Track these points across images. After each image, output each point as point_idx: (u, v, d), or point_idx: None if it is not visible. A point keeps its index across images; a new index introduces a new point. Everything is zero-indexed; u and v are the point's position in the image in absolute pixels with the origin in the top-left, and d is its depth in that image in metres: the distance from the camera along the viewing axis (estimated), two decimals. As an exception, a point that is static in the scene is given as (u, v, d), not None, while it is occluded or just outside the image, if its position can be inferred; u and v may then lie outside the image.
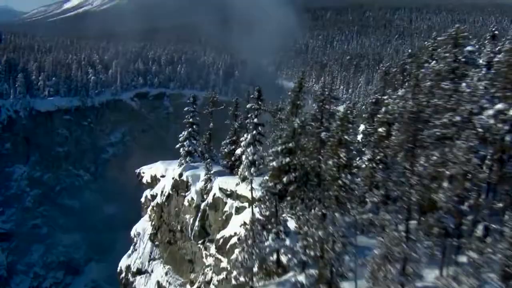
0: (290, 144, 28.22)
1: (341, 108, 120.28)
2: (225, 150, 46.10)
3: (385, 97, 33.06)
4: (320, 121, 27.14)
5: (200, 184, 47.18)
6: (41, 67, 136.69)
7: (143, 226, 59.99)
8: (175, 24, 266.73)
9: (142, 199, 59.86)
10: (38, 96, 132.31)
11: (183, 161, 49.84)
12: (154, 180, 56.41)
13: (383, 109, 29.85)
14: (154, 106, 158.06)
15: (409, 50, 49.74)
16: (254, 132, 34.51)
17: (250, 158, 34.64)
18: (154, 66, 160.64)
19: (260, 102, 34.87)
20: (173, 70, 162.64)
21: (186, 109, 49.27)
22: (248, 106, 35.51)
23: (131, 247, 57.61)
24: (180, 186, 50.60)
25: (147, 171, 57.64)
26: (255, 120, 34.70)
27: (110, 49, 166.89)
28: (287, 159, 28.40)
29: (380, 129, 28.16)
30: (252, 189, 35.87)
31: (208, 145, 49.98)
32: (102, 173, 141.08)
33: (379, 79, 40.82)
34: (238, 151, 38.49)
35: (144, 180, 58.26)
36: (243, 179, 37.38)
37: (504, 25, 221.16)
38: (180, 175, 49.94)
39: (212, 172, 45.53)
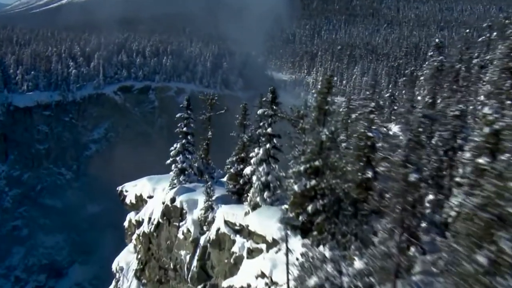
0: (317, 162, 21.41)
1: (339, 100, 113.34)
2: (231, 170, 35.57)
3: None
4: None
5: (198, 212, 37.39)
6: (19, 61, 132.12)
7: (127, 259, 48.91)
8: (159, 14, 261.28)
9: (126, 223, 48.52)
10: (16, 91, 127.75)
11: (175, 180, 39.30)
12: (140, 201, 45.70)
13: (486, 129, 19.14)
14: (139, 100, 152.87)
15: (436, 40, 42.50)
16: (268, 145, 27.46)
17: (262, 179, 27.54)
18: (139, 58, 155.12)
19: (275, 107, 27.40)
20: (158, 62, 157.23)
21: (178, 115, 38.67)
22: (260, 112, 27.99)
23: (113, 283, 46.83)
24: (172, 214, 40.69)
25: (130, 190, 46.67)
26: (269, 130, 27.53)
27: (92, 40, 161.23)
28: (313, 182, 21.40)
29: (480, 160, 18.31)
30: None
31: (205, 159, 40.99)
32: (84, 171, 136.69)
33: (429, 78, 31.86)
34: (247, 170, 30.62)
35: (127, 200, 46.96)
36: (254, 206, 29.24)
37: (492, 13, 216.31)
38: (173, 200, 39.57)
39: (214, 198, 35.34)
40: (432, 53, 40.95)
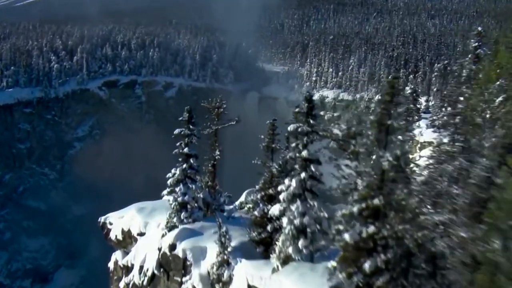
0: (376, 201, 14.61)
1: (330, 93, 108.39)
2: (255, 212, 25.85)
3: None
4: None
5: (207, 265, 27.80)
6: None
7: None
8: (144, 5, 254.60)
9: (110, 265, 38.31)
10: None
11: (174, 218, 30.38)
12: (128, 238, 36.24)
13: None
14: (125, 95, 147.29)
15: (479, 29, 36.30)
16: (303, 174, 19.80)
17: (296, 221, 19.88)
18: (124, 51, 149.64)
19: (312, 121, 19.90)
20: (145, 55, 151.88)
21: (176, 131, 30.11)
22: (292, 128, 20.06)
23: None
24: (172, 265, 30.71)
25: (116, 222, 37.34)
26: (305, 153, 19.92)
27: (75, 33, 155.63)
28: (371, 229, 14.71)
29: None
30: None
31: (212, 186, 32.05)
32: (69, 171, 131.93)
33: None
34: (275, 209, 21.83)
35: (112, 235, 37.40)
36: (285, 260, 21.01)
37: (482, 0, 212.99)
38: (172, 246, 29.93)
39: (230, 249, 25.72)
40: (476, 43, 34.58)
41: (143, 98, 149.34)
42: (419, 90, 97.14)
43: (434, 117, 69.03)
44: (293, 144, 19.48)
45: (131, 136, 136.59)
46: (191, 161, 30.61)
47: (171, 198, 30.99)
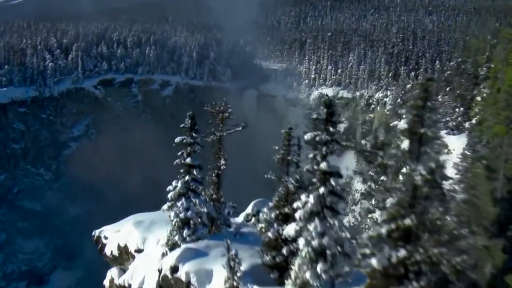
0: (408, 221, 13.09)
1: (329, 91, 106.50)
2: (268, 234, 22.70)
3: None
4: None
5: None
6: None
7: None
8: (140, 3, 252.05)
9: (106, 282, 34.95)
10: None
11: (176, 236, 27.40)
12: (125, 254, 33.02)
13: None
14: (121, 94, 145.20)
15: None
16: (322, 190, 16.94)
17: (314, 243, 17.04)
18: (120, 49, 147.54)
19: (332, 129, 17.00)
20: (141, 53, 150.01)
21: (178, 140, 27.10)
22: (309, 137, 17.06)
23: None
24: None
25: (112, 236, 34.62)
26: (323, 165, 16.93)
27: (70, 31, 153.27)
28: (402, 253, 12.74)
29: None
30: None
31: (217, 199, 29.05)
32: (64, 171, 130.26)
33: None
34: (290, 229, 18.85)
35: (107, 251, 34.40)
36: (302, 287, 18.12)
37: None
38: (174, 269, 26.59)
39: (240, 274, 22.66)
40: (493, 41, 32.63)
41: (139, 97, 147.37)
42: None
43: (447, 118, 67.01)
44: (311, 155, 16.91)
45: (128, 136, 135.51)
46: (194, 172, 27.70)
47: (172, 213, 28.06)
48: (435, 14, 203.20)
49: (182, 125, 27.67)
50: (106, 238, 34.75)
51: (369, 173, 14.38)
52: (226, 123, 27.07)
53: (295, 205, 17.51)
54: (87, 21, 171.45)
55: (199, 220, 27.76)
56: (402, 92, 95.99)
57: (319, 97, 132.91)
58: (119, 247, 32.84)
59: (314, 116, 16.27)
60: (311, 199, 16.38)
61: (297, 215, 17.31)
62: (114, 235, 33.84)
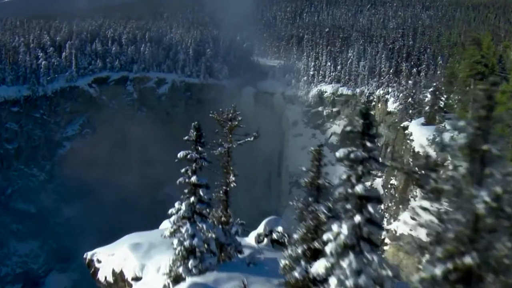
0: (468, 259, 10.32)
1: (328, 88, 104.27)
2: (294, 274, 18.92)
3: None
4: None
5: None
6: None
7: None
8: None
9: None
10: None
11: (180, 268, 23.45)
12: (121, 281, 29.23)
13: None
14: (116, 92, 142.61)
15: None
16: (358, 218, 14.08)
17: (348, 283, 13.86)
18: (114, 47, 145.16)
19: (370, 143, 14.09)
20: (136, 50, 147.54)
21: (181, 154, 23.28)
22: (341, 154, 14.09)
23: None
24: None
25: (105, 260, 31.07)
26: (359, 188, 13.93)
27: (63, 28, 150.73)
28: None
29: None
30: None
31: (226, 220, 25.49)
32: (59, 172, 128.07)
33: None
34: (320, 266, 15.36)
35: (100, 276, 30.85)
36: None
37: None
38: None
39: None
40: None
41: (134, 95, 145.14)
42: (422, 84, 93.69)
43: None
44: (344, 176, 13.96)
45: (123, 135, 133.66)
46: (201, 192, 23.64)
47: (175, 241, 24.05)
48: (432, 9, 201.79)
49: (186, 138, 23.75)
50: (99, 261, 31.45)
51: (420, 199, 11.83)
52: (235, 132, 23.90)
53: (325, 237, 14.55)
54: (81, 18, 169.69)
55: (207, 247, 24.08)
56: (405, 88, 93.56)
57: (318, 94, 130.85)
58: (114, 273, 29.46)
59: (348, 128, 13.57)
60: (345, 229, 13.31)
61: (328, 249, 14.30)
62: (108, 259, 30.44)
